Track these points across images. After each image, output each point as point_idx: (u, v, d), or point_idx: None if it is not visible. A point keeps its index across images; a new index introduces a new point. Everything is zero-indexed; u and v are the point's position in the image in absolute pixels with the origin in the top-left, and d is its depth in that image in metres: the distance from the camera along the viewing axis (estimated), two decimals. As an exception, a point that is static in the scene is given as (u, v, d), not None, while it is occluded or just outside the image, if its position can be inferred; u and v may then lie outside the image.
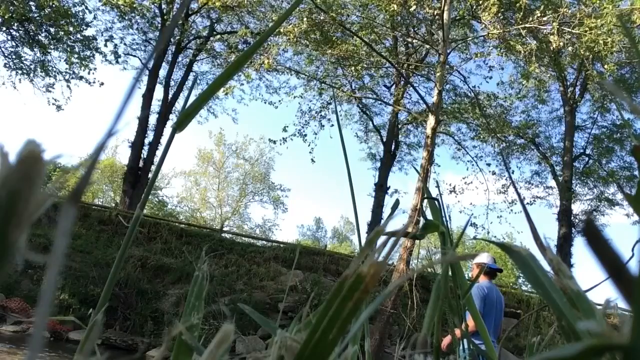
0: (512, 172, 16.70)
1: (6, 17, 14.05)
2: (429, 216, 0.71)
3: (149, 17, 17.81)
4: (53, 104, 16.68)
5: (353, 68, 12.19)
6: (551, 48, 10.22)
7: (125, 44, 18.17)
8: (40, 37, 15.58)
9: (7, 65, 15.92)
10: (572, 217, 16.10)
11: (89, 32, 16.68)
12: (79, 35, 15.90)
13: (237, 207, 33.01)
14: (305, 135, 13.13)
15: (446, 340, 3.30)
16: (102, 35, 17.21)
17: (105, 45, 17.16)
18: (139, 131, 17.28)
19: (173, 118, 18.17)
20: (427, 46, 13.45)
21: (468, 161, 14.61)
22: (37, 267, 10.28)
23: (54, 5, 14.69)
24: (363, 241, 0.38)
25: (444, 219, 0.70)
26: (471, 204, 17.62)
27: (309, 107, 14.18)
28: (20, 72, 16.10)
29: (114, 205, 19.47)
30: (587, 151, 18.12)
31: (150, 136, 17.67)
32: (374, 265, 0.28)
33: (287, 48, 11.95)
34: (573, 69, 16.24)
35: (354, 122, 18.84)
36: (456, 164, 19.83)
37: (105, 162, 29.70)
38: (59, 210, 0.20)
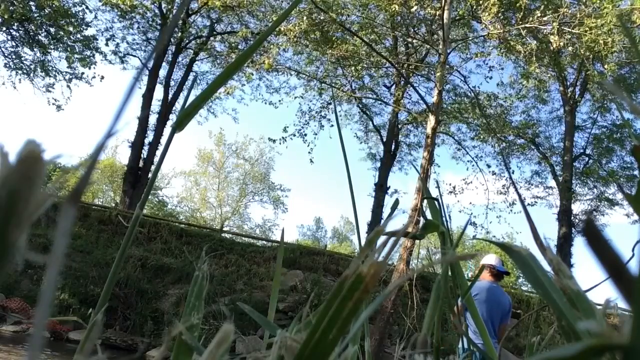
0: (512, 172, 16.71)
1: (6, 17, 14.05)
2: (429, 216, 0.71)
3: (149, 17, 17.82)
4: (53, 104, 16.69)
5: (353, 68, 12.19)
6: (551, 48, 10.22)
7: (127, 42, 18.21)
8: (40, 37, 15.58)
9: (7, 65, 15.93)
10: (572, 217, 16.10)
11: (89, 31, 16.64)
12: (79, 35, 15.91)
13: (237, 207, 33.02)
14: (305, 135, 13.14)
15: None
16: (102, 35, 17.24)
17: (107, 45, 17.19)
18: (139, 131, 17.28)
19: (173, 118, 18.17)
20: (427, 46, 13.46)
21: (468, 161, 14.62)
22: (37, 267, 10.28)
23: (54, 5, 14.68)
24: (363, 241, 0.38)
25: (444, 219, 0.70)
26: (471, 203, 17.63)
27: (309, 107, 14.21)
28: (20, 72, 16.10)
29: (114, 205, 19.47)
30: (587, 151, 18.12)
31: (150, 136, 17.69)
32: (374, 265, 0.28)
33: (287, 48, 11.95)
34: (573, 69, 16.24)
35: (354, 122, 18.86)
36: (456, 164, 19.83)
37: (105, 162, 29.70)
38: (59, 210, 0.20)
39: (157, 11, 17.87)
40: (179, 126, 0.49)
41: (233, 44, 17.11)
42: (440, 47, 10.11)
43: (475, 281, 0.68)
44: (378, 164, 17.63)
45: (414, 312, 8.87)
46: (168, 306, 10.49)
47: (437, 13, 10.29)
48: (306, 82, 14.88)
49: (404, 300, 9.66)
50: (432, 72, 12.47)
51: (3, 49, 15.69)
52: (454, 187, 13.91)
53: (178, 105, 18.41)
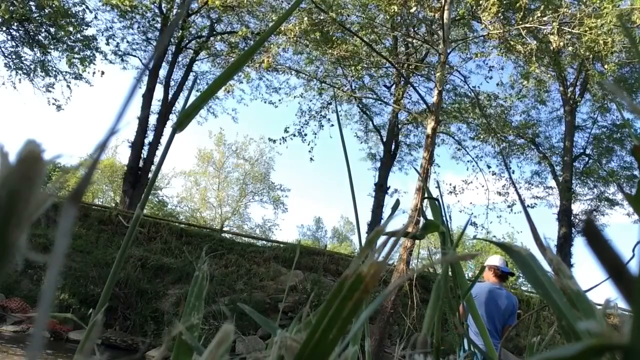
0: (512, 172, 16.70)
1: (6, 17, 14.05)
2: (429, 216, 0.71)
3: (149, 17, 17.82)
4: (53, 104, 16.70)
5: (353, 68, 12.19)
6: (551, 48, 10.22)
7: (127, 42, 18.21)
8: (40, 37, 15.58)
9: (7, 65, 15.93)
10: (572, 217, 16.09)
11: (89, 31, 16.65)
12: (79, 35, 15.91)
13: (237, 207, 33.02)
14: (305, 135, 13.14)
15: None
16: (102, 34, 17.24)
17: (107, 44, 17.18)
18: (139, 131, 17.28)
19: (173, 118, 18.17)
20: (427, 46, 13.45)
21: (468, 161, 14.63)
22: (37, 267, 10.28)
23: (54, 5, 14.68)
24: (363, 241, 0.38)
25: (444, 219, 0.70)
26: (471, 203, 17.66)
27: (309, 107, 14.20)
28: (20, 72, 16.11)
29: (114, 205, 19.47)
30: (587, 151, 18.12)
31: (150, 136, 17.68)
32: (374, 265, 0.28)
33: (287, 48, 11.95)
34: (573, 69, 16.24)
35: (354, 122, 18.86)
36: (456, 164, 19.84)
37: (105, 162, 29.70)
38: (59, 210, 0.20)
39: (157, 11, 17.87)
40: (179, 126, 0.49)
41: (233, 44, 17.11)
42: (440, 47, 10.11)
43: (475, 281, 0.68)
44: (378, 164, 17.63)
45: (414, 312, 8.87)
46: (168, 306, 10.49)
47: (438, 13, 10.28)
48: (306, 82, 14.89)
49: (404, 300, 9.66)
50: (432, 72, 12.47)
51: (3, 49, 15.70)
52: (454, 187, 13.93)
53: (178, 105, 18.42)
